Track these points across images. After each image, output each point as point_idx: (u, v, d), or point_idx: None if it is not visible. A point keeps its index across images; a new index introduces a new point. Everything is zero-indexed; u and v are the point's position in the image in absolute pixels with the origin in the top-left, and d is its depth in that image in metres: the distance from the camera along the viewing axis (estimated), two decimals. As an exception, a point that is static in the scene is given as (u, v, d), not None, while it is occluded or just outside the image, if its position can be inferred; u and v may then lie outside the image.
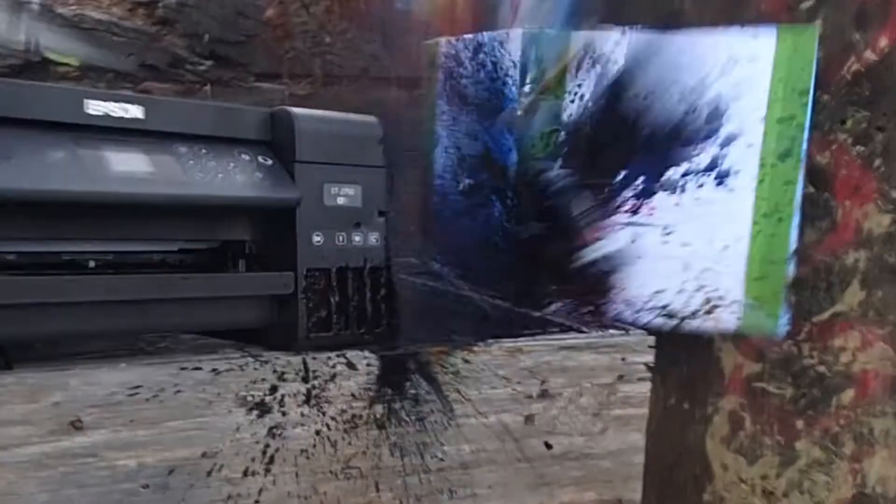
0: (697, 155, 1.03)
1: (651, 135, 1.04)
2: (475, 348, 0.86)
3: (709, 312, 1.02)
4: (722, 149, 1.02)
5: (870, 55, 0.99)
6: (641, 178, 1.05)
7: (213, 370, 0.76)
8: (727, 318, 1.02)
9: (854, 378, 1.03)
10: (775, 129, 1.00)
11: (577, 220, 1.06)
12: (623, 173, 1.05)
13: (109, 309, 0.72)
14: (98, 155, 0.68)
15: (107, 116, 0.70)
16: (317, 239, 0.80)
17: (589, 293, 1.03)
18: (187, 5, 1.43)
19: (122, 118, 0.71)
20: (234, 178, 0.74)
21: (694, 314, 1.02)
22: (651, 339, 0.92)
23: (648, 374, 0.92)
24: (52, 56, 1.33)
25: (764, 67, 1.00)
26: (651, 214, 1.04)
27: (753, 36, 1.00)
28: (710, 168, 1.03)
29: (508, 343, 0.87)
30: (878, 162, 0.99)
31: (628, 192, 1.05)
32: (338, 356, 0.81)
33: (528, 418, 0.88)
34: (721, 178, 1.02)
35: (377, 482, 0.83)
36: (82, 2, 1.36)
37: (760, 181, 1.00)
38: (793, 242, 1.00)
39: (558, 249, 1.07)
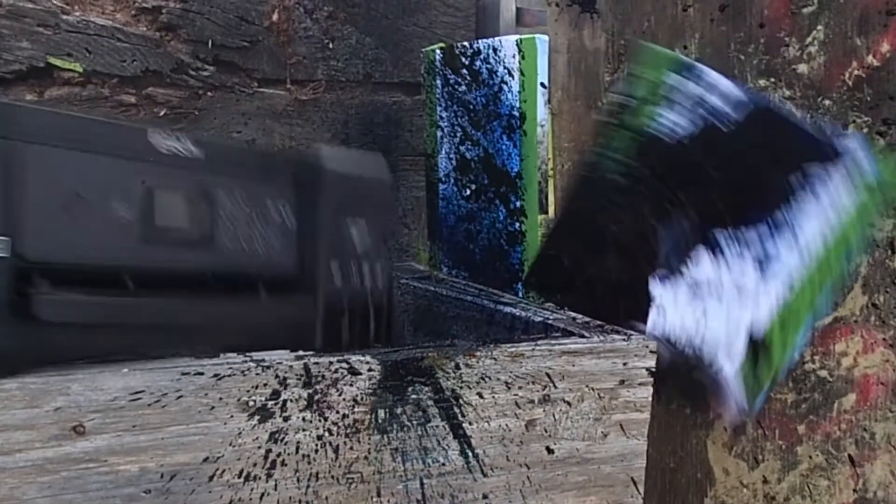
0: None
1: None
2: (477, 353, 0.86)
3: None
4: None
5: (871, 60, 0.99)
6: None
7: (215, 375, 0.76)
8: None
9: (856, 383, 1.03)
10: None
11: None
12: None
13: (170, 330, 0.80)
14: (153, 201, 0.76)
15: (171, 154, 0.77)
16: (336, 277, 0.89)
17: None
18: (191, 11, 1.43)
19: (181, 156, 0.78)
20: (266, 239, 0.84)
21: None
22: (653, 344, 0.92)
23: (650, 379, 0.92)
24: (56, 62, 1.34)
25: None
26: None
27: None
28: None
29: (510, 348, 0.87)
30: (879, 167, 0.99)
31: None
32: (339, 361, 0.81)
33: (530, 423, 0.88)
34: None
35: (379, 487, 0.83)
36: (87, 8, 1.37)
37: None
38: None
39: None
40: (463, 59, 1.36)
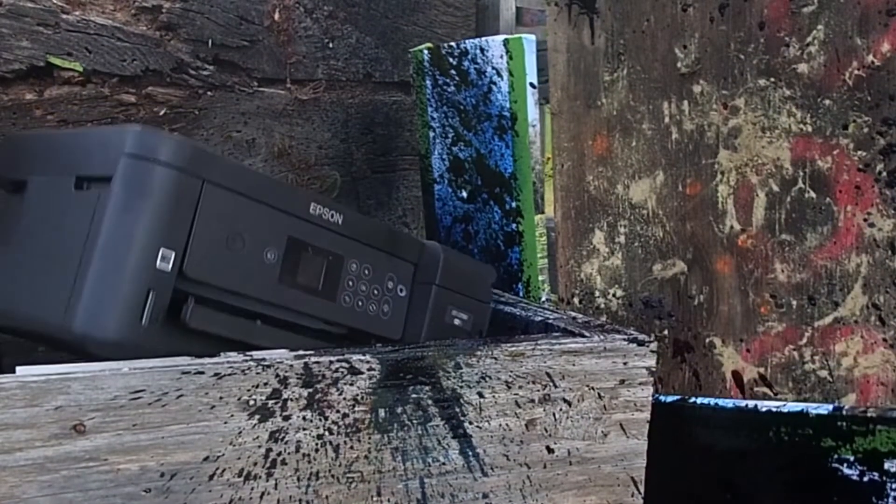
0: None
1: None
2: (477, 352, 0.86)
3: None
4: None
5: (871, 60, 0.99)
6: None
7: (216, 374, 0.76)
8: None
9: (856, 383, 1.03)
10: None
11: None
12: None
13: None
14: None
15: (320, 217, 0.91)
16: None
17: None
18: (191, 10, 1.43)
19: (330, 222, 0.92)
20: (380, 305, 0.97)
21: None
22: (653, 344, 0.92)
23: (650, 379, 0.92)
24: (56, 62, 1.34)
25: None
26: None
27: None
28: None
29: (510, 347, 0.87)
30: (879, 167, 0.99)
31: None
32: (340, 360, 0.81)
33: (530, 422, 0.88)
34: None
35: (379, 487, 0.83)
36: (86, 8, 1.37)
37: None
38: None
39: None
40: (450, 60, 1.36)
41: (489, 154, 1.31)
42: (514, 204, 1.28)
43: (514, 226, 1.28)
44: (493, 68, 1.28)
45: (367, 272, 0.96)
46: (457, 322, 1.02)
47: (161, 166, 0.79)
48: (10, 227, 0.90)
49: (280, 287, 0.88)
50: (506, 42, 1.26)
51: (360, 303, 0.95)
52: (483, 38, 1.32)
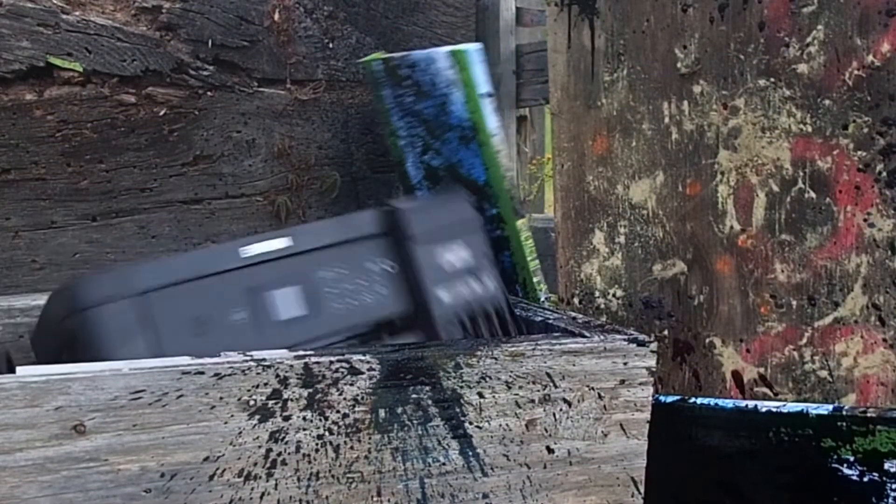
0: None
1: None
2: (477, 352, 0.86)
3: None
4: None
5: (871, 60, 0.99)
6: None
7: (216, 374, 0.76)
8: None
9: (856, 383, 1.03)
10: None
11: None
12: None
13: None
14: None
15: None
16: (445, 298, 0.98)
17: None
18: (191, 11, 1.43)
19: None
20: (367, 297, 0.96)
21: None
22: (653, 344, 0.92)
23: (650, 379, 0.92)
24: (56, 62, 1.34)
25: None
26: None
27: None
28: None
29: (510, 347, 0.87)
30: (879, 167, 0.99)
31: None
32: (340, 360, 0.81)
33: (530, 423, 0.88)
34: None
35: (379, 487, 0.83)
36: (86, 8, 1.37)
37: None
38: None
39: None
40: (400, 71, 1.33)
41: (460, 163, 1.30)
42: (493, 211, 1.26)
43: (498, 232, 1.27)
44: (445, 80, 1.26)
45: (343, 271, 0.95)
46: (457, 262, 1.01)
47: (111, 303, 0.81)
48: None
49: (266, 333, 0.88)
50: (452, 53, 1.23)
51: (352, 301, 0.94)
52: (430, 50, 1.29)
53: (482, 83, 1.21)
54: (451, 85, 1.24)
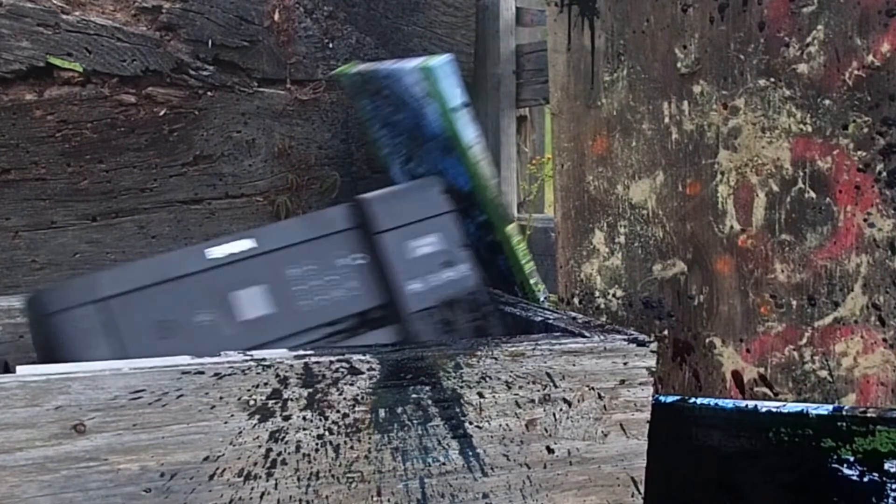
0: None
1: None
2: (477, 352, 0.86)
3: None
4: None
5: (871, 60, 0.99)
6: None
7: (216, 374, 0.76)
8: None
9: (856, 383, 1.03)
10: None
11: None
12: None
13: None
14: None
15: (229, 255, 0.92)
16: (417, 287, 0.99)
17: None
18: (191, 11, 1.43)
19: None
20: (338, 292, 0.96)
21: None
22: (653, 344, 0.92)
23: (650, 379, 0.92)
24: (56, 62, 1.34)
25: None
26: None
27: None
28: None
29: (510, 347, 0.87)
30: (879, 167, 0.99)
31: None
32: (340, 360, 0.81)
33: (530, 423, 0.88)
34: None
35: (379, 487, 0.83)
36: (86, 8, 1.37)
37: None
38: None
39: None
40: (373, 84, 1.32)
41: (444, 172, 1.28)
42: (483, 217, 1.25)
43: (490, 238, 1.26)
44: (416, 95, 1.24)
45: (312, 267, 0.95)
46: (427, 249, 1.02)
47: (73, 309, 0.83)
48: None
49: (232, 333, 0.89)
50: (420, 69, 1.20)
51: (322, 297, 0.95)
52: (398, 66, 1.26)
53: (453, 96, 1.17)
54: (422, 99, 1.22)
